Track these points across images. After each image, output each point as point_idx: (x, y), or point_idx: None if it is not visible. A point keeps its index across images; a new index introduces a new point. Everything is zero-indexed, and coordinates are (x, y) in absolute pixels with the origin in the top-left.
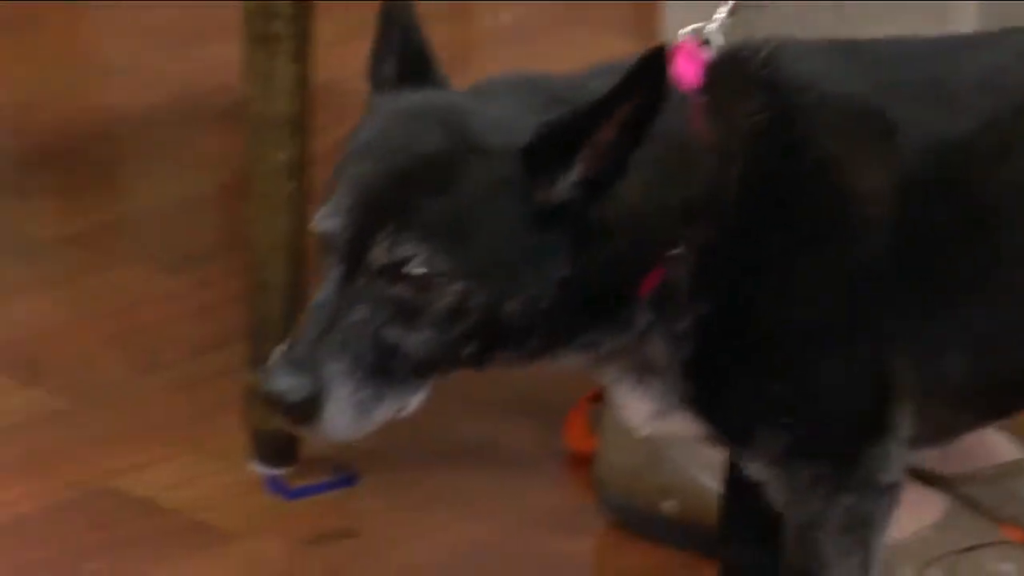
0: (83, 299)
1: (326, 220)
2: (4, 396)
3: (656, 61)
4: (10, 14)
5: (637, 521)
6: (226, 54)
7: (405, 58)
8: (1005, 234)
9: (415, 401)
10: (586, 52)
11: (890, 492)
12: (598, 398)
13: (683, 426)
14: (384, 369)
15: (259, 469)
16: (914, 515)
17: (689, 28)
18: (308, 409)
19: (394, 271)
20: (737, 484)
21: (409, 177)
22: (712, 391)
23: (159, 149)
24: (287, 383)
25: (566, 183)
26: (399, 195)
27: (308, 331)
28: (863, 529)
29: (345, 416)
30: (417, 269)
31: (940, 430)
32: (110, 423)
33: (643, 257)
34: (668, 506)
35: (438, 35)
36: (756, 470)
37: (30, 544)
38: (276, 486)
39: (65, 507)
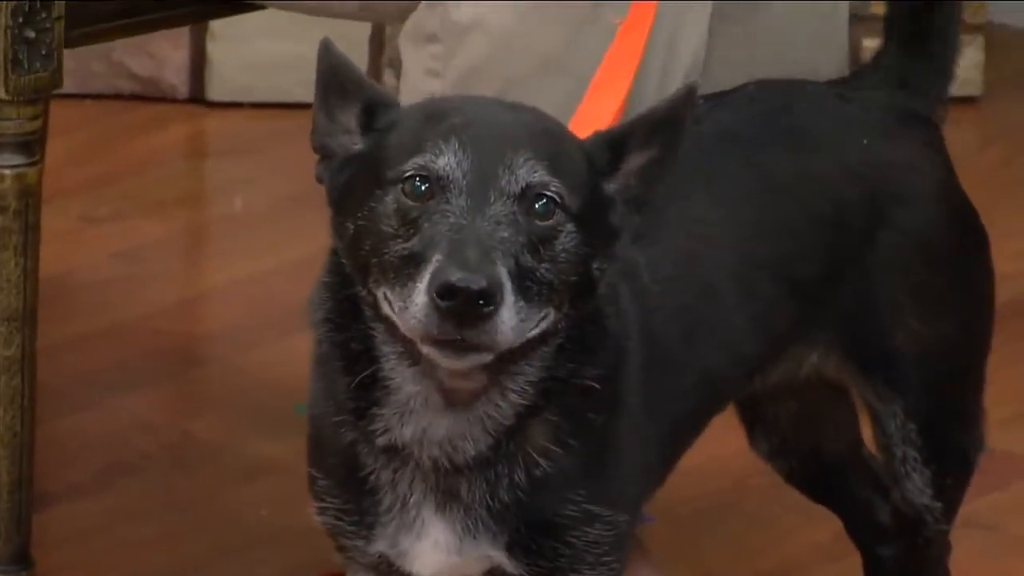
0: None
1: (438, 159)
2: None
3: (681, 110)
4: None
5: None
6: None
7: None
8: None
9: (541, 327)
10: (312, 232)
11: None
12: None
13: (479, 566)
14: (524, 288)
15: None
16: None
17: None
18: (491, 299)
19: (531, 195)
20: None
21: (528, 128)
22: (556, 515)
23: None
24: (467, 277)
25: (612, 184)
26: (524, 137)
27: (462, 245)
28: None
29: (514, 319)
30: (551, 193)
31: None
32: None
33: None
34: None
35: (173, 221)
36: None
37: None
38: None
39: None
